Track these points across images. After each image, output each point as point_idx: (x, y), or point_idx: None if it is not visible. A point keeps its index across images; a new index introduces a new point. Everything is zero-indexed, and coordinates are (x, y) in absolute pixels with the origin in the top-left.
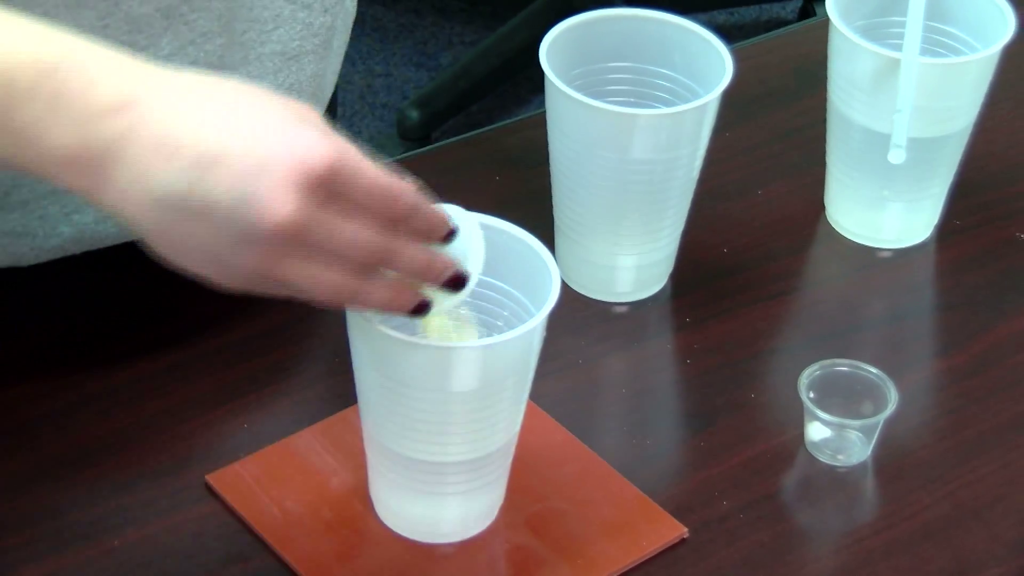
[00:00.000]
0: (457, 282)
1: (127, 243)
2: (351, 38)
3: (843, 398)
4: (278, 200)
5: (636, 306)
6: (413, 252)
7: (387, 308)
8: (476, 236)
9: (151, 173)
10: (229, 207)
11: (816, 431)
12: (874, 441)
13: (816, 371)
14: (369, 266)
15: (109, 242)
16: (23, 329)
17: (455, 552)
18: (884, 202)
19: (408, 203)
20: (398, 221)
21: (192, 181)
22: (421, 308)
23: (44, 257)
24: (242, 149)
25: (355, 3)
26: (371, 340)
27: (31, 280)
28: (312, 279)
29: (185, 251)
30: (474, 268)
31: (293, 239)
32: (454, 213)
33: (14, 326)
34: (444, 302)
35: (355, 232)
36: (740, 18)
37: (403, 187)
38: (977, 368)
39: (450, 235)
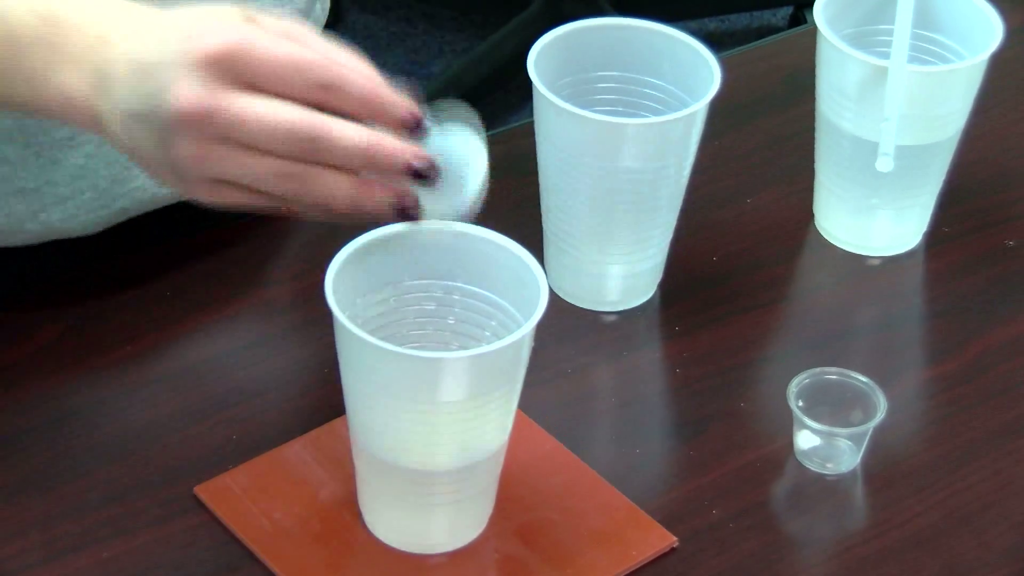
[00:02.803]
0: (419, 170)
1: (115, 257)
2: None
3: (832, 406)
4: (176, 86)
5: (625, 315)
6: (350, 129)
7: (354, 205)
8: (474, 145)
9: (121, 95)
10: (147, 107)
11: (805, 439)
12: (863, 449)
13: (805, 379)
14: (309, 150)
15: (76, 234)
16: (9, 340)
17: (445, 563)
18: (873, 210)
19: (333, 74)
20: (327, 92)
21: (135, 92)
22: (406, 208)
23: (6, 244)
24: (150, 52)
25: (326, 10)
26: (358, 350)
27: (18, 293)
28: (247, 168)
29: (150, 165)
30: (473, 183)
31: (203, 121)
32: (452, 117)
33: (1, 337)
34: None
35: (270, 108)
36: (731, 25)
37: (324, 61)
38: (967, 376)
39: (413, 123)
